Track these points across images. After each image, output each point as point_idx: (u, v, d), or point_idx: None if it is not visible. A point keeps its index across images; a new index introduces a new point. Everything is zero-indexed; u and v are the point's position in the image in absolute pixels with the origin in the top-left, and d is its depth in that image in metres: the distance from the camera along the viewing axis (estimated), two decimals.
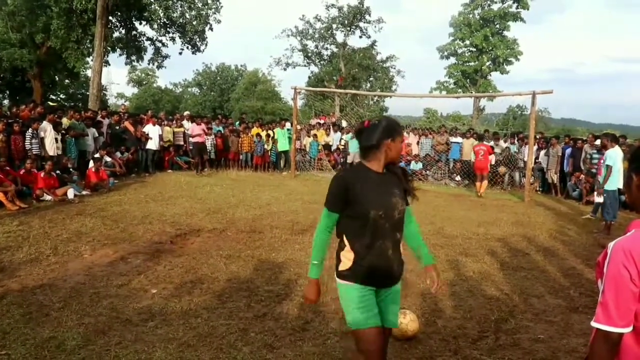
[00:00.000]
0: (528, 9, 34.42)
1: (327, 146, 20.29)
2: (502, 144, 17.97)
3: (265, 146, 19.19)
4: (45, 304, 4.89)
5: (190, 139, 17.14)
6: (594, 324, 1.71)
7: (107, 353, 3.95)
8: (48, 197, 10.54)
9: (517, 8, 34.69)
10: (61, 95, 42.83)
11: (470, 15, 36.11)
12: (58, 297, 5.08)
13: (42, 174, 10.71)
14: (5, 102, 23.61)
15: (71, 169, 12.18)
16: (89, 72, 31.07)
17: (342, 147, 19.81)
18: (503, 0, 34.94)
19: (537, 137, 17.08)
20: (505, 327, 4.77)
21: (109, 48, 24.74)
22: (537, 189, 16.19)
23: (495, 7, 35.27)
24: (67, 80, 40.15)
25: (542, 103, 52.94)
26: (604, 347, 1.70)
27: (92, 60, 23.49)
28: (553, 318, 5.07)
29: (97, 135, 14.21)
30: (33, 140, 11.53)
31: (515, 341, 4.47)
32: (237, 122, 21.57)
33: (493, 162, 16.63)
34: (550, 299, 5.65)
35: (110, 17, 22.89)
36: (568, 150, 15.57)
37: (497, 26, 35.20)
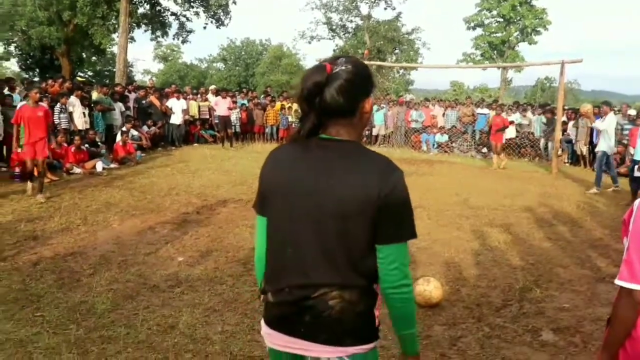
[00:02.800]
0: None
1: None
2: (530, 115, 17.69)
3: (290, 118, 19.19)
4: (76, 271, 5.03)
5: (215, 113, 17.21)
6: (617, 281, 1.64)
7: (135, 317, 4.06)
8: (77, 170, 10.74)
9: None
10: (89, 73, 43.38)
11: None
12: (88, 264, 5.22)
13: (73, 149, 10.90)
14: (35, 79, 24.01)
15: (99, 143, 12.36)
16: (114, 49, 31.40)
17: None
18: None
19: (566, 108, 16.76)
20: (530, 296, 4.76)
21: (134, 24, 24.86)
22: (566, 160, 15.93)
23: None
24: (94, 58, 40.62)
25: (572, 74, 51.90)
26: (628, 305, 1.64)
27: (117, 36, 23.64)
28: (579, 288, 5.03)
29: (123, 109, 14.36)
30: (62, 115, 11.70)
31: (540, 309, 4.46)
32: (262, 95, 21.57)
33: (513, 136, 16.46)
34: (576, 269, 5.60)
35: None
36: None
37: None
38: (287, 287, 1.67)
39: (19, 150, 8.46)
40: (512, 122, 16.61)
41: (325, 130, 1.67)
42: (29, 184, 8.35)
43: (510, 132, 16.72)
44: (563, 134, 15.38)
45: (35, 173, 8.32)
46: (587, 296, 4.81)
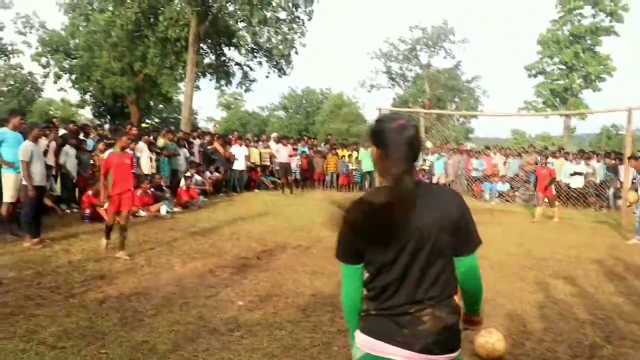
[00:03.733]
0: (622, 22, 32.70)
1: None
2: (595, 164, 17.12)
3: (350, 166, 19.31)
4: (139, 310, 5.14)
5: (276, 160, 17.55)
6: None
7: (195, 359, 4.09)
8: (143, 213, 11.10)
9: (610, 22, 33.01)
10: (155, 119, 45.31)
11: (559, 32, 34.70)
12: (151, 305, 5.32)
13: (139, 192, 11.31)
14: (106, 126, 25.32)
15: (164, 187, 12.77)
16: (181, 97, 32.74)
17: (427, 167, 19.59)
18: (595, 15, 33.34)
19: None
20: (601, 354, 4.51)
21: (200, 73, 25.91)
22: (635, 210, 15.22)
23: (586, 22, 33.69)
24: (160, 105, 42.49)
25: None
26: None
27: (184, 85, 24.67)
28: None
29: (188, 155, 14.84)
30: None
31: None
32: (323, 143, 21.85)
33: (581, 185, 15.94)
34: None
35: (202, 44, 23.99)
36: None
37: (589, 42, 33.54)
38: (393, 305, 1.99)
39: (106, 205, 7.62)
40: (579, 173, 16.16)
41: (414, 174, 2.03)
42: (104, 241, 7.62)
43: (578, 182, 16.22)
44: (632, 183, 14.76)
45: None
46: None
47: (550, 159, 17.66)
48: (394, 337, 1.96)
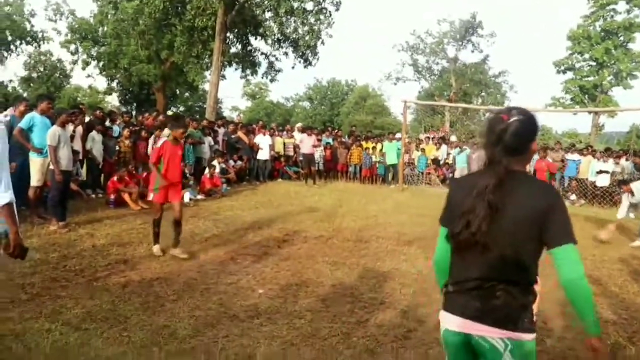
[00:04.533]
0: None
1: (435, 160, 19.98)
2: (624, 162, 16.78)
3: (374, 158, 19.24)
4: (161, 295, 5.20)
5: (300, 150, 17.56)
6: None
7: (214, 344, 4.12)
8: None
9: None
10: (181, 108, 45.71)
11: (591, 28, 34.02)
12: (172, 290, 5.37)
13: None
14: (133, 113, 25.68)
15: (188, 174, 12.86)
16: (206, 86, 32.93)
17: (450, 161, 19.47)
18: (629, 11, 32.57)
19: None
20: (624, 354, 4.43)
21: (226, 62, 25.96)
22: None
23: (619, 18, 32.96)
24: (186, 94, 42.82)
25: None
26: None
27: (210, 74, 24.79)
28: None
29: (212, 143, 14.92)
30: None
31: None
32: (347, 135, 21.80)
33: (607, 184, 15.62)
34: None
35: (228, 34, 24.00)
36: None
37: (621, 38, 32.82)
38: (465, 280, 2.18)
39: (152, 194, 7.02)
40: (605, 171, 15.87)
41: (510, 166, 2.14)
42: (156, 247, 6.92)
43: (604, 180, 15.93)
44: None
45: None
46: None
47: (576, 156, 17.40)
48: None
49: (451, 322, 2.20)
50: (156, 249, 6.86)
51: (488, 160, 2.21)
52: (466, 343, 2.18)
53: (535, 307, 2.14)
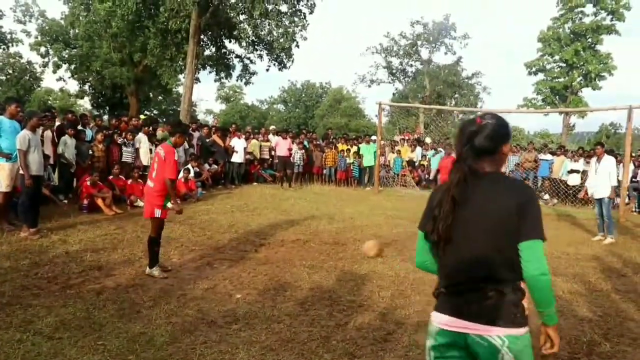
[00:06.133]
0: (624, 21, 32.56)
1: (410, 162, 20.09)
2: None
3: (348, 160, 19.28)
4: (136, 302, 5.12)
5: (276, 153, 17.51)
6: None
7: (192, 351, 4.07)
8: (141, 204, 11.02)
9: (611, 20, 32.88)
10: (154, 111, 45.17)
11: (560, 30, 34.61)
12: (148, 297, 5.29)
13: (130, 181, 11.26)
14: (105, 117, 25.28)
15: None
16: (180, 89, 32.64)
17: (426, 163, 19.61)
18: (596, 13, 33.24)
19: (634, 155, 16.18)
20: (599, 350, 4.50)
21: (200, 65, 25.75)
22: (634, 209, 15.26)
23: (587, 20, 33.61)
24: (160, 97, 42.35)
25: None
26: None
27: (184, 77, 24.55)
28: None
29: (187, 147, 14.77)
30: (126, 149, 12.21)
31: None
32: (322, 138, 21.82)
33: (577, 183, 15.89)
34: None
35: (202, 36, 23.82)
36: None
37: (589, 40, 33.46)
38: (457, 282, 2.25)
39: (159, 210, 6.22)
40: (576, 171, 16.14)
41: (477, 165, 2.27)
42: (157, 270, 6.17)
43: (575, 180, 16.19)
44: (631, 182, 14.78)
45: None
46: None
47: (549, 156, 17.65)
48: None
49: (446, 323, 2.25)
50: (157, 272, 6.14)
51: (456, 159, 2.34)
52: (459, 342, 2.22)
53: (525, 302, 2.22)
